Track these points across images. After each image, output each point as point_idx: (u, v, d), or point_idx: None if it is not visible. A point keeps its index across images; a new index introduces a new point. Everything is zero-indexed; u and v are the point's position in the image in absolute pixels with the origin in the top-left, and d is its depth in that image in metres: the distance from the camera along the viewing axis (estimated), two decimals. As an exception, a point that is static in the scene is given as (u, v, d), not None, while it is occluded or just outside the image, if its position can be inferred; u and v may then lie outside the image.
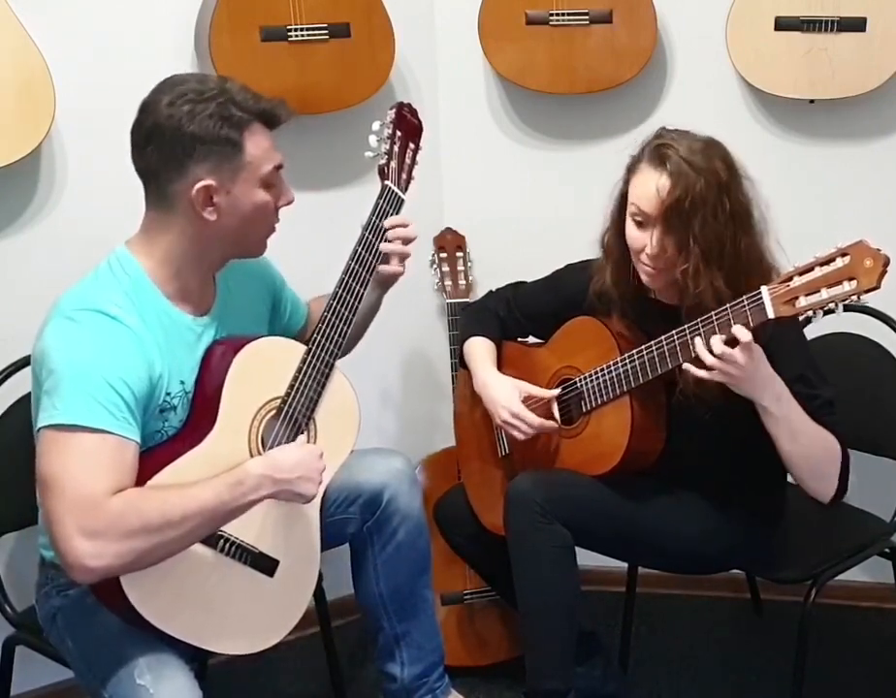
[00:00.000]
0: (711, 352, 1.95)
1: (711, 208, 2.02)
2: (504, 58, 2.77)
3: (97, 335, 1.83)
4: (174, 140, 1.85)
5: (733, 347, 1.94)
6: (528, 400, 2.27)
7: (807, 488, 2.10)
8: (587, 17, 2.68)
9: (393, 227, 2.16)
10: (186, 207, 1.89)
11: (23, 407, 2.01)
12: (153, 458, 1.88)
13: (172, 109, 1.85)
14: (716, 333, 1.97)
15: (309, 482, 1.95)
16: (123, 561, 1.77)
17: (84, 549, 1.73)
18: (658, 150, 2.07)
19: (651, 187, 2.05)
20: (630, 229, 2.11)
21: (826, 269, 1.85)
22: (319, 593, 2.42)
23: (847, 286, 1.83)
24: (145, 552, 1.78)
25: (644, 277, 2.13)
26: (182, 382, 1.94)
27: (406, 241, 2.19)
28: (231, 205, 1.90)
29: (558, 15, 2.68)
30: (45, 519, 1.81)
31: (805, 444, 2.05)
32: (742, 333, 1.92)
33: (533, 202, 2.98)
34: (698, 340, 1.98)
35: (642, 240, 2.08)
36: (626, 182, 2.14)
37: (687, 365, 2.00)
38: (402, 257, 2.20)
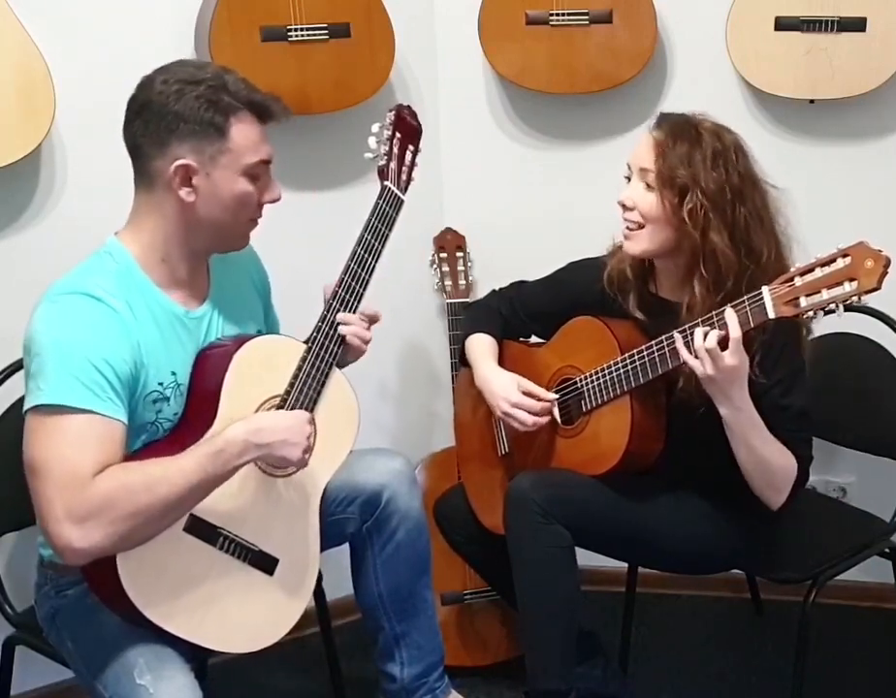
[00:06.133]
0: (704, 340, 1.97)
1: (712, 169, 2.05)
2: (504, 58, 2.77)
3: (79, 316, 1.83)
4: (159, 115, 1.87)
5: (724, 349, 1.96)
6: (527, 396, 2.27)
7: (754, 491, 2.13)
8: (587, 17, 2.68)
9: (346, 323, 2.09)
10: (166, 186, 1.90)
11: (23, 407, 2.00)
12: (152, 453, 1.87)
13: (163, 86, 1.88)
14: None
15: (293, 446, 1.92)
16: (111, 541, 1.77)
17: (72, 532, 1.74)
18: (661, 115, 2.14)
19: (642, 140, 2.11)
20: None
21: (827, 269, 1.86)
22: (319, 593, 2.42)
23: (847, 287, 1.83)
24: (133, 529, 1.78)
25: (624, 242, 2.15)
26: (174, 373, 1.94)
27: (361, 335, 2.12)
28: (210, 189, 1.90)
29: (558, 15, 2.68)
30: (33, 502, 1.80)
31: (759, 458, 2.08)
32: (733, 326, 1.94)
33: (533, 202, 2.98)
34: (698, 331, 1.99)
35: (621, 195, 2.12)
36: None
37: (678, 340, 2.01)
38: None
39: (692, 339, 1.99)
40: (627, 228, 2.13)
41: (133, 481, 1.79)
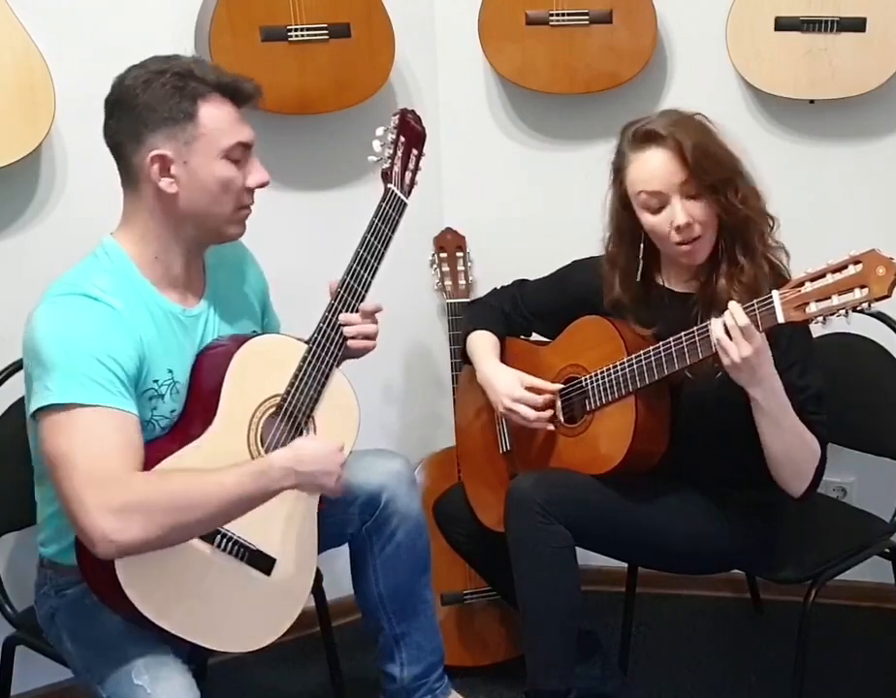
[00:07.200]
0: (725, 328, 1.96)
1: (715, 145, 2.09)
2: (504, 58, 2.77)
3: (81, 316, 1.84)
4: (129, 109, 1.88)
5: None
6: (531, 391, 2.27)
7: (780, 480, 2.12)
8: (587, 17, 2.67)
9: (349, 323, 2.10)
10: (147, 181, 1.90)
11: (23, 407, 2.00)
12: (152, 451, 1.87)
13: (132, 80, 1.89)
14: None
15: (330, 476, 1.96)
16: (146, 536, 1.76)
17: (108, 523, 1.73)
18: (640, 132, 2.11)
19: (655, 164, 2.08)
20: (648, 218, 2.12)
21: (838, 276, 1.85)
22: (319, 593, 2.41)
23: (858, 293, 1.83)
24: (168, 529, 1.78)
25: (683, 259, 2.14)
26: (170, 371, 1.94)
27: (366, 331, 2.13)
28: (190, 177, 1.89)
29: (558, 15, 2.68)
30: (60, 499, 1.80)
31: (787, 440, 2.07)
32: (738, 313, 1.93)
33: (533, 202, 2.98)
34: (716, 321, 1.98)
35: (666, 221, 2.09)
36: (620, 182, 2.15)
37: (717, 323, 1.98)
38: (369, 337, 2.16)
39: (713, 329, 1.98)
40: (685, 244, 2.10)
41: (174, 487, 1.81)
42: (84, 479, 1.75)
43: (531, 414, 2.25)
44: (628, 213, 2.16)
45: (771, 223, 2.14)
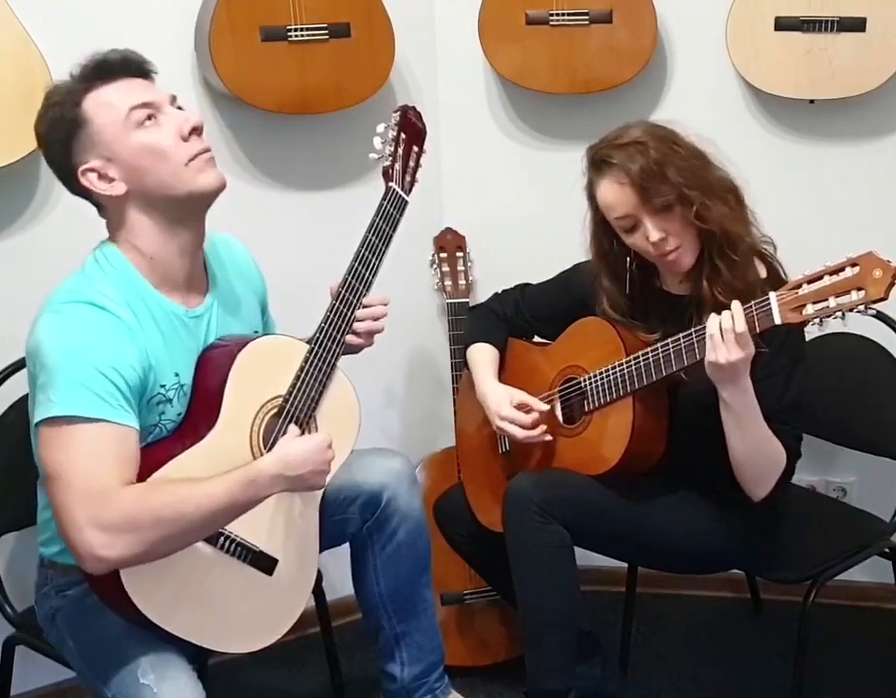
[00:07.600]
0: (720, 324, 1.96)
1: (673, 154, 2.08)
2: (504, 58, 2.77)
3: (86, 326, 1.83)
4: (48, 154, 1.94)
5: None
6: (521, 408, 2.28)
7: (741, 481, 2.13)
8: (587, 17, 2.68)
9: (363, 318, 2.15)
10: (98, 195, 1.91)
11: (23, 407, 2.00)
12: (155, 453, 1.88)
13: (37, 130, 1.94)
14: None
15: (319, 475, 1.96)
16: (134, 552, 1.77)
17: (96, 539, 1.74)
18: (594, 161, 2.14)
19: (613, 189, 2.10)
20: (629, 239, 2.14)
21: (835, 278, 1.85)
22: (319, 593, 2.42)
23: (855, 296, 1.83)
24: (156, 543, 1.79)
25: (673, 268, 2.15)
26: (177, 374, 1.94)
27: (375, 328, 2.20)
28: (122, 168, 1.89)
29: (558, 15, 2.68)
30: (53, 510, 1.81)
31: (750, 443, 2.07)
32: (738, 318, 1.93)
33: (533, 202, 2.98)
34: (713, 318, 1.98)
35: (643, 237, 2.10)
36: (595, 209, 2.18)
37: (714, 319, 1.98)
38: (373, 333, 2.21)
39: (708, 325, 1.98)
40: (666, 256, 2.11)
41: (161, 500, 1.80)
42: (77, 495, 1.75)
43: (520, 433, 2.26)
44: (610, 233, 2.18)
45: (752, 220, 2.13)
